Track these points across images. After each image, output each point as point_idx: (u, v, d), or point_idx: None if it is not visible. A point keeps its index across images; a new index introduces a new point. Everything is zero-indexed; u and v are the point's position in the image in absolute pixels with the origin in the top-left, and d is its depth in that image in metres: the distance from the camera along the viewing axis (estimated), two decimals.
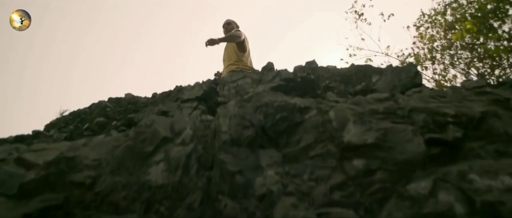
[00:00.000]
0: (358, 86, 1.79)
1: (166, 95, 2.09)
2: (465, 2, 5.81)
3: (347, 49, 7.36)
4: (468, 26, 3.70)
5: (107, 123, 1.94)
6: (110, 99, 2.22)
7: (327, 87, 1.73)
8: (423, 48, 6.18)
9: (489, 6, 5.26)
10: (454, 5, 5.89)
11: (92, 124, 1.98)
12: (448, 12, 5.95)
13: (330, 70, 1.93)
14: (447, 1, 6.29)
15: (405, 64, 6.41)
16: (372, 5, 7.24)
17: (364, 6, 7.24)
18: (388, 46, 6.91)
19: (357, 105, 1.18)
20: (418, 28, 6.70)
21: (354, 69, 1.92)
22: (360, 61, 6.97)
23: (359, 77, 1.85)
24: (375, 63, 6.52)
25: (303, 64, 2.14)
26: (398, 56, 6.62)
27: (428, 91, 1.55)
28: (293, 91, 1.67)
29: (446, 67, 5.72)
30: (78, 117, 2.10)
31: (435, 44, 5.94)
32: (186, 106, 1.69)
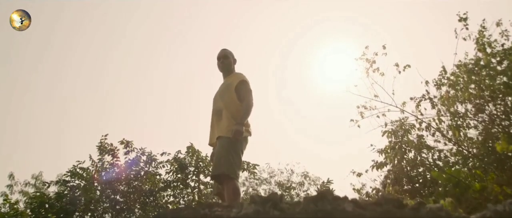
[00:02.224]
0: None
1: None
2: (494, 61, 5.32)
3: (358, 107, 6.70)
4: None
5: None
6: None
7: None
8: (445, 113, 5.63)
9: None
10: (482, 62, 5.38)
11: None
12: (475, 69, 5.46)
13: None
14: (473, 58, 5.76)
15: (423, 123, 5.87)
16: (386, 53, 6.59)
17: (376, 54, 6.71)
18: (404, 103, 6.21)
19: None
20: (439, 87, 6.08)
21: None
22: (373, 117, 6.33)
23: None
24: (388, 119, 5.94)
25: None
26: (415, 115, 5.97)
27: None
28: None
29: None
30: None
31: (457, 107, 5.42)
32: None
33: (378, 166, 5.68)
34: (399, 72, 6.37)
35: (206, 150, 10.17)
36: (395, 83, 6.39)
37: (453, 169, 3.02)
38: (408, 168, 5.20)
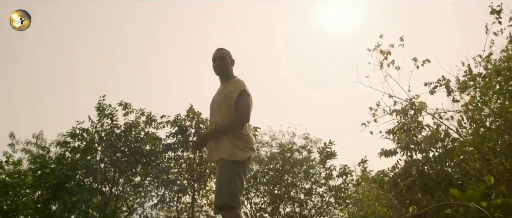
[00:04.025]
0: None
1: None
2: None
3: (371, 108, 6.02)
4: None
5: None
6: None
7: None
8: (468, 120, 4.79)
9: None
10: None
11: None
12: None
13: None
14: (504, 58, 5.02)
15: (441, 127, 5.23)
16: (402, 45, 5.82)
17: (392, 46, 5.88)
18: (421, 103, 5.45)
19: None
20: (462, 90, 5.18)
21: None
22: (386, 114, 5.69)
23: None
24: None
25: None
26: (431, 114, 5.25)
27: None
28: None
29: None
30: None
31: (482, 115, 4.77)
32: None
33: (387, 154, 5.37)
34: (417, 67, 5.65)
35: (207, 113, 9.96)
36: (412, 79, 5.54)
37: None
38: (420, 157, 4.86)
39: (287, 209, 11.14)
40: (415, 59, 5.55)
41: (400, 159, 5.21)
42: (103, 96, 9.94)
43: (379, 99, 5.84)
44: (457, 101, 5.13)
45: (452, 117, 5.17)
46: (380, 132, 5.53)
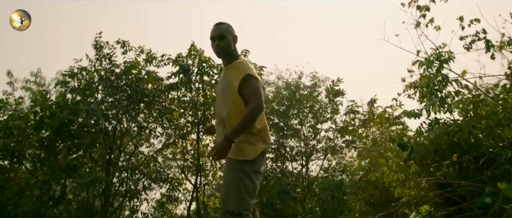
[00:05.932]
0: None
1: None
2: None
3: (403, 80, 5.06)
4: None
5: None
6: None
7: None
8: None
9: None
10: None
11: None
12: None
13: None
14: None
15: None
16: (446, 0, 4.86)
17: (433, 1, 4.91)
18: (464, 72, 4.58)
19: None
20: None
21: None
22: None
23: None
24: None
25: None
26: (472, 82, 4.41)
27: None
28: None
29: None
30: None
31: None
32: None
33: (409, 115, 4.64)
34: (462, 28, 4.71)
35: (209, 52, 9.46)
36: (454, 41, 4.68)
37: None
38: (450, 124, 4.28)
39: (293, 145, 11.11)
40: (461, 19, 4.63)
41: (424, 122, 4.72)
42: (100, 33, 9.37)
43: (411, 66, 5.04)
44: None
45: (497, 85, 4.32)
46: (404, 91, 4.94)
